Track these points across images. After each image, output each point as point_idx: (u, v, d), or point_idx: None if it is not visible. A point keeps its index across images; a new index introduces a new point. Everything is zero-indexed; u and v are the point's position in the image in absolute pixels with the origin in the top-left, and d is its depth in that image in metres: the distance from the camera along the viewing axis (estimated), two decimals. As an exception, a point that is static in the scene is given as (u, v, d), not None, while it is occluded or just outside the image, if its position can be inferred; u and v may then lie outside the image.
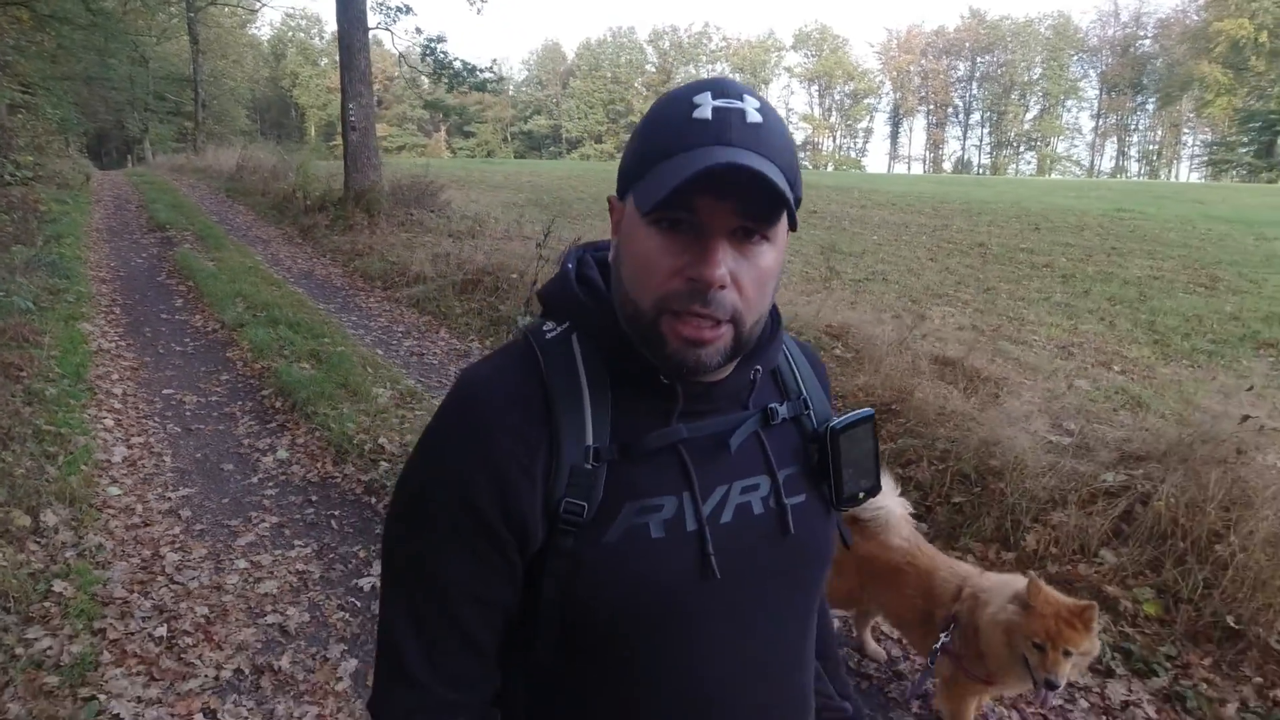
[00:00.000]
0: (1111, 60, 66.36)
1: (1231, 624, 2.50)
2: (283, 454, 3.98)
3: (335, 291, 7.74)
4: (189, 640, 2.53)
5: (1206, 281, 7.59)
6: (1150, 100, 61.27)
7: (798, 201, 0.63)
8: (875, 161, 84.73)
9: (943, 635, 1.94)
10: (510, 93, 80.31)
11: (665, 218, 0.60)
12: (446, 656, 0.66)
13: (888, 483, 2.27)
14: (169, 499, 3.47)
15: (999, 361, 4.87)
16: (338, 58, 10.60)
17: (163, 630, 2.55)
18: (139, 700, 2.24)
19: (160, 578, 2.86)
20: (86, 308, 6.45)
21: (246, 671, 2.42)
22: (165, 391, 4.81)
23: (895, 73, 76.39)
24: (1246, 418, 2.93)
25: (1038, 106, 71.66)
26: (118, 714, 2.16)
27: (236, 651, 2.49)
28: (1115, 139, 70.13)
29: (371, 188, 10.39)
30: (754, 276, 0.61)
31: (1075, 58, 69.37)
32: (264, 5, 37.15)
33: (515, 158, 64.95)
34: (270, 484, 3.67)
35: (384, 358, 5.56)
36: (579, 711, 0.69)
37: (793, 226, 0.63)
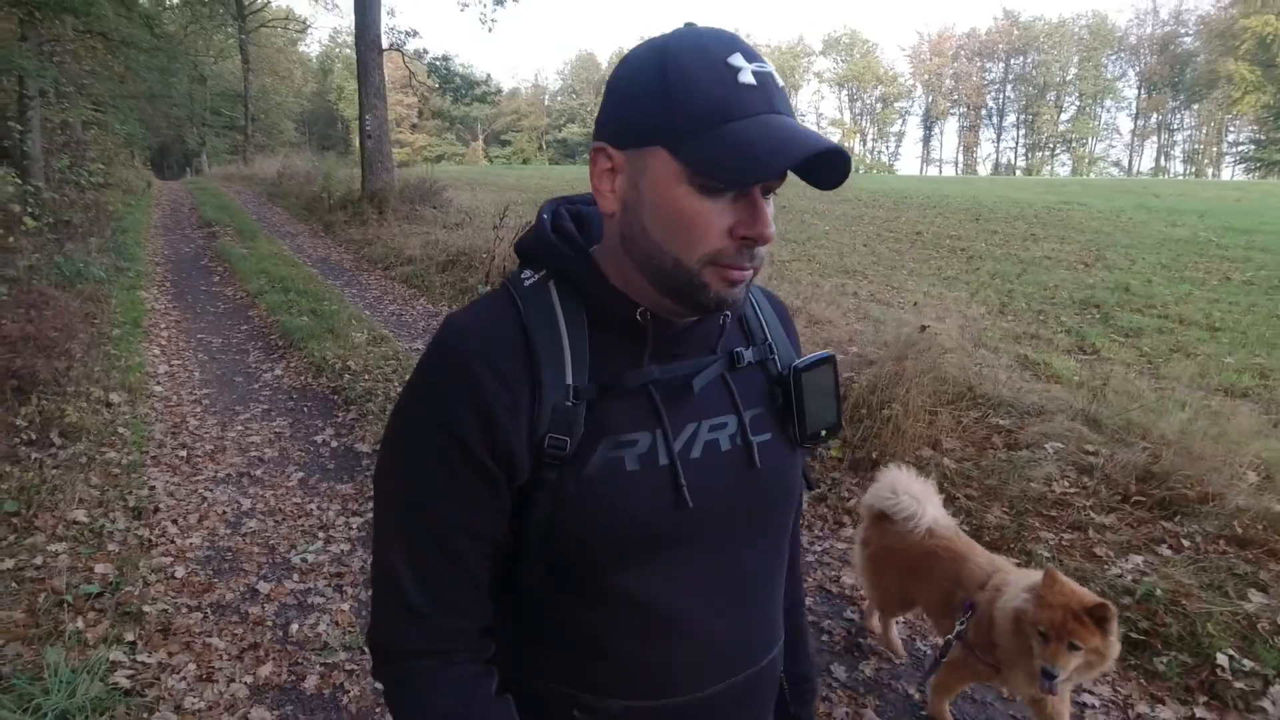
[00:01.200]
0: (1151, 59, 65.25)
1: (874, 457, 3.71)
2: (278, 372, 5.43)
3: (343, 272, 9.27)
4: (200, 460, 3.96)
5: (1090, 260, 8.55)
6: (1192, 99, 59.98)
7: None
8: (908, 165, 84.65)
9: (958, 623, 1.91)
10: (545, 102, 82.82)
11: (713, 183, 0.61)
12: (444, 586, 0.69)
13: (930, 489, 2.27)
14: (195, 394, 4.94)
15: (849, 314, 6.05)
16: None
17: (183, 454, 3.99)
18: (167, 482, 3.66)
19: (185, 432, 4.31)
20: (144, 281, 8.09)
21: (234, 475, 3.82)
22: (199, 335, 6.33)
23: (927, 76, 76.19)
24: (924, 328, 4.11)
25: (1073, 107, 70.73)
26: (154, 485, 3.59)
27: (228, 466, 3.91)
28: (1155, 139, 68.76)
29: (383, 188, 11.95)
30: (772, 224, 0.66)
31: (1114, 57, 68.31)
32: (309, 27, 39.45)
33: (550, 164, 67.05)
34: (266, 389, 5.11)
35: (369, 316, 7.00)
36: (561, 638, 0.73)
37: (833, 187, 0.67)
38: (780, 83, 0.64)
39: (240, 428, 4.43)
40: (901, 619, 2.63)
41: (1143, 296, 6.93)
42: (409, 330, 6.71)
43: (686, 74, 0.61)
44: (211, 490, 3.63)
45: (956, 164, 77.29)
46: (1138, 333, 5.85)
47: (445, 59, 12.64)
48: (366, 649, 0.76)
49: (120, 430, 4.13)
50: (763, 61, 0.63)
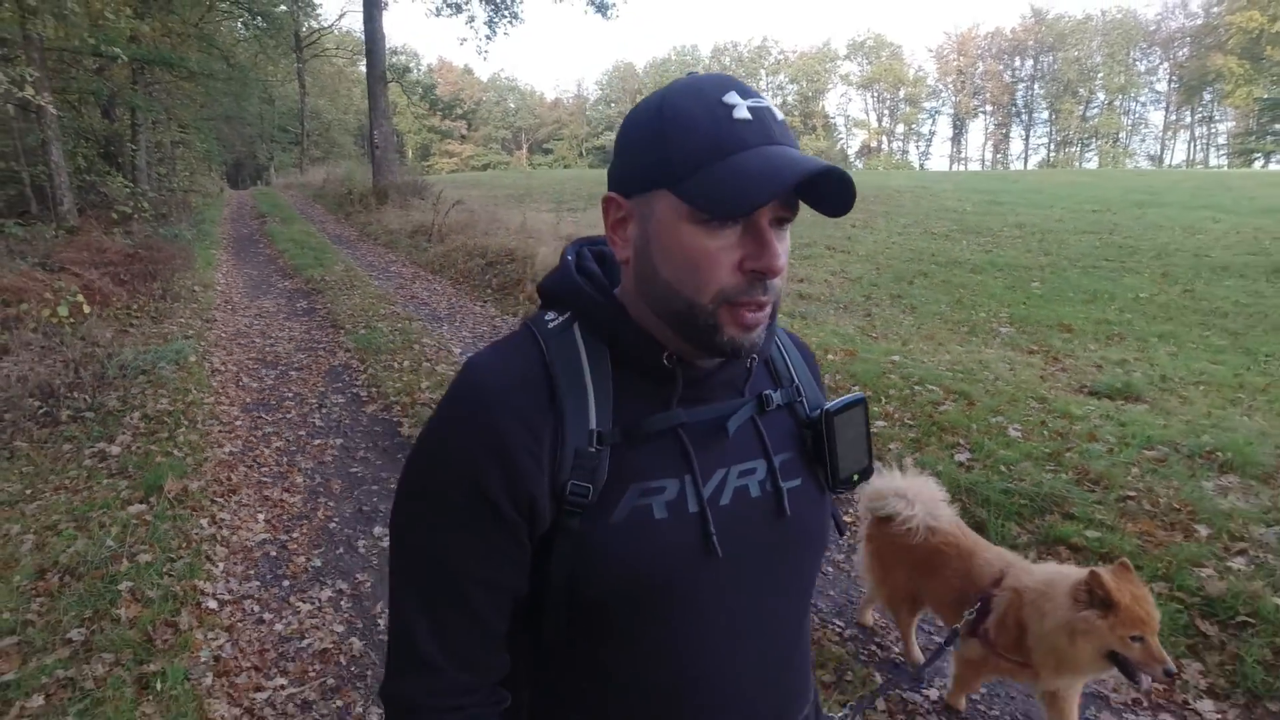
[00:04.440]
0: (1184, 52, 65.26)
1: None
2: (286, 284, 9.40)
3: (347, 241, 13.31)
4: (237, 310, 7.89)
5: (859, 223, 11.77)
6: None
7: None
8: (939, 163, 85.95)
9: (966, 613, 1.86)
10: (586, 111, 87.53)
11: (714, 216, 0.61)
12: (459, 640, 0.68)
13: (926, 486, 2.21)
14: (239, 290, 8.93)
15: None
16: (369, 99, 16.33)
17: (230, 307, 7.94)
18: (221, 315, 7.59)
19: (231, 301, 8.27)
20: (214, 245, 12.31)
21: (254, 315, 7.72)
22: (244, 270, 10.41)
23: (954, 76, 77.46)
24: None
25: (1102, 102, 70.98)
26: (215, 315, 7.52)
27: (251, 313, 7.81)
28: (1189, 130, 68.39)
29: (387, 185, 16.01)
30: (787, 259, 0.65)
31: (1148, 50, 68.32)
32: (360, 59, 43.98)
33: (589, 169, 71.47)
34: (277, 290, 9.08)
35: (353, 262, 10.93)
36: (586, 690, 0.72)
37: (841, 214, 0.66)
38: (779, 116, 0.65)
39: (259, 301, 8.37)
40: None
41: (852, 240, 10.20)
42: (372, 267, 10.60)
43: (682, 115, 0.64)
44: (241, 318, 7.54)
45: (982, 161, 78.43)
46: (809, 258, 9.18)
47: (433, 86, 16.64)
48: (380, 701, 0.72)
49: (200, 297, 8.11)
50: (759, 98, 0.64)
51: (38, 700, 2.28)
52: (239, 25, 24.94)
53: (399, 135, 73.26)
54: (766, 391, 0.76)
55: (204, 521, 3.40)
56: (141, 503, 3.51)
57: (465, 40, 23.18)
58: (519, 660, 0.73)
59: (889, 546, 2.23)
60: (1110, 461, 3.42)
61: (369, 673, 2.52)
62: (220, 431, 4.54)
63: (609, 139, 79.73)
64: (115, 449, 4.19)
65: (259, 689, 2.43)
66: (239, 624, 2.76)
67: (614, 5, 15.28)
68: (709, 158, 0.62)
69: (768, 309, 0.66)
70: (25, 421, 4.56)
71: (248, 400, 5.18)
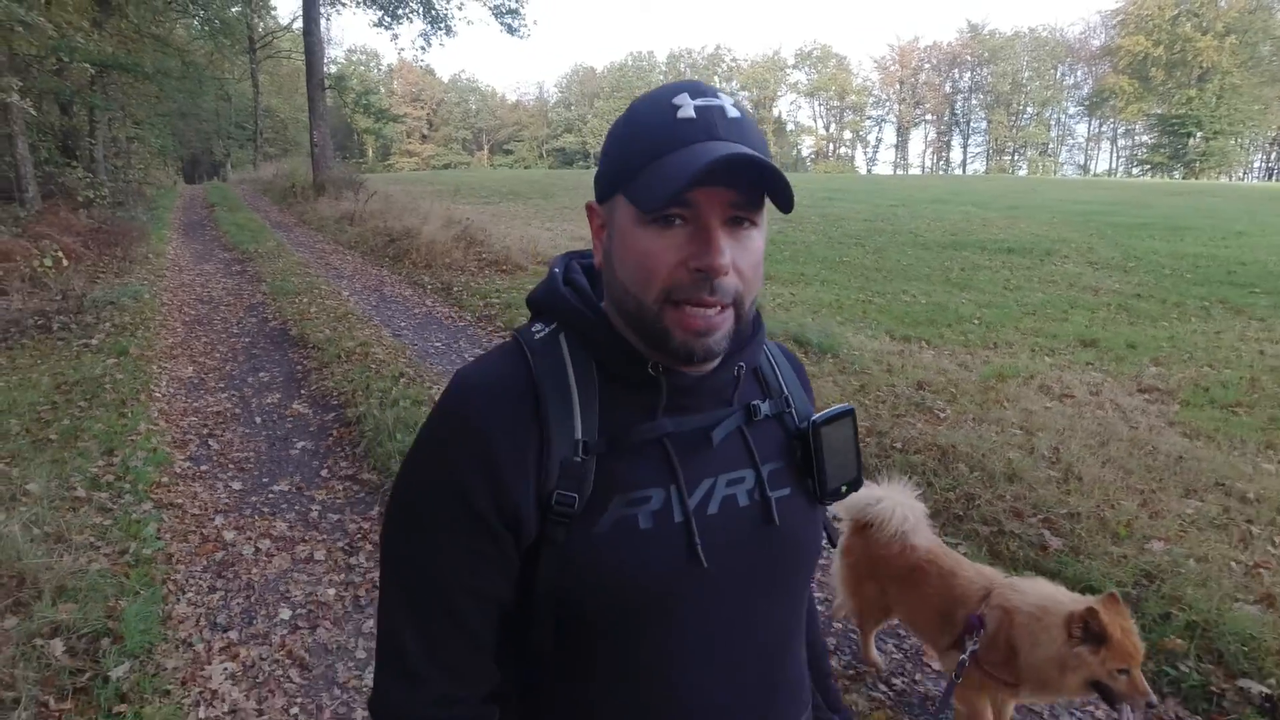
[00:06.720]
0: (1105, 69, 69.98)
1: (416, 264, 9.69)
2: (225, 255, 11.58)
3: (285, 226, 15.45)
4: (183, 271, 10.09)
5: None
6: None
7: None
8: (884, 168, 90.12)
9: (969, 642, 1.85)
10: (546, 113, 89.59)
11: (662, 215, 0.62)
12: (447, 651, 0.69)
13: (904, 488, 2.23)
14: (186, 258, 11.10)
15: (512, 234, 11.98)
16: (309, 98, 18.46)
17: (179, 269, 10.14)
18: (170, 274, 9.78)
19: (180, 264, 10.45)
20: (166, 227, 14.35)
21: (199, 274, 9.92)
22: (192, 245, 12.56)
23: (896, 85, 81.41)
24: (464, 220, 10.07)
25: (1031, 114, 75.43)
26: (166, 272, 9.70)
27: (195, 272, 10.01)
28: (1110, 141, 73.17)
29: (325, 180, 18.14)
30: (749, 260, 0.66)
31: (1073, 66, 72.88)
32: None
33: (549, 169, 73.55)
34: (215, 258, 11.25)
35: (285, 242, 13.10)
36: (575, 701, 0.72)
37: (788, 208, 0.65)
38: (732, 114, 0.64)
39: (203, 266, 10.56)
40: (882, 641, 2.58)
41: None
42: (300, 244, 12.78)
43: (636, 121, 0.67)
44: (186, 276, 9.73)
45: (922, 167, 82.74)
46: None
47: (366, 94, 18.85)
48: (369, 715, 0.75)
49: (153, 262, 10.26)
50: (714, 97, 0.65)
51: (65, 422, 4.57)
52: (195, 22, 26.32)
53: (358, 135, 75.30)
54: (754, 402, 0.76)
55: (154, 368, 5.69)
56: (114, 359, 5.77)
57: (403, 50, 25.78)
58: (507, 673, 0.73)
59: (865, 558, 2.23)
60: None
61: (238, 422, 4.86)
62: (166, 333, 6.80)
63: (569, 140, 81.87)
64: (94, 341, 6.42)
65: (181, 421, 4.76)
66: (173, 401, 5.08)
67: (524, 27, 17.63)
68: (650, 158, 0.64)
69: (722, 314, 0.66)
70: (30, 331, 6.76)
71: (187, 319, 7.43)
